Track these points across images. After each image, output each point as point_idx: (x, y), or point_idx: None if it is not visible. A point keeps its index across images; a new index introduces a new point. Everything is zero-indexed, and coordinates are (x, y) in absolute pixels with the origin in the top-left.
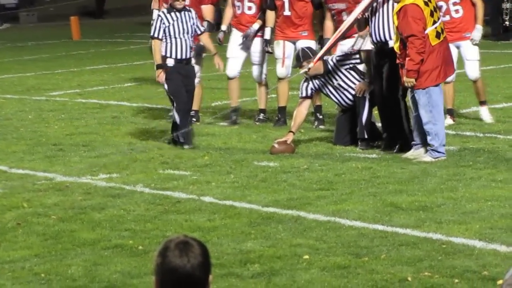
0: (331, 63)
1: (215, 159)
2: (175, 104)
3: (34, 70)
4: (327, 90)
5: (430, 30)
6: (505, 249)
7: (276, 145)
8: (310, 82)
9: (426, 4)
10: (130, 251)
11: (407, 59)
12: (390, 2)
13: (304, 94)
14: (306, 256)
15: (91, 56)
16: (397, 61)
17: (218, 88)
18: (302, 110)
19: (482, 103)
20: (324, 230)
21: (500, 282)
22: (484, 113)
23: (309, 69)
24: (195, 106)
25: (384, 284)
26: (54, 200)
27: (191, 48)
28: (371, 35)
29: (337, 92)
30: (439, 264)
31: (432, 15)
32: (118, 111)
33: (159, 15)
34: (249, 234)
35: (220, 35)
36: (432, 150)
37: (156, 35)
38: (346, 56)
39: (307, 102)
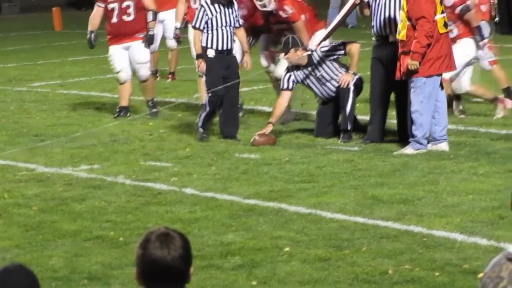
0: (316, 54)
1: (197, 151)
2: (208, 97)
3: (16, 61)
4: (308, 81)
5: (439, 17)
6: (485, 243)
7: (257, 137)
8: (292, 74)
9: None
10: (111, 243)
11: (414, 41)
12: None
13: (285, 86)
14: (287, 249)
15: (73, 47)
16: (400, 49)
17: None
18: (282, 102)
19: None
20: (305, 222)
21: (480, 275)
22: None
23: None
24: (149, 95)
25: (365, 276)
26: (35, 191)
27: (233, 40)
28: (372, 28)
29: (320, 84)
30: (420, 257)
31: (441, 3)
32: (99, 103)
33: (202, 6)
34: (230, 226)
35: (176, 31)
36: (414, 141)
37: (197, 26)
38: (331, 48)
39: (288, 94)
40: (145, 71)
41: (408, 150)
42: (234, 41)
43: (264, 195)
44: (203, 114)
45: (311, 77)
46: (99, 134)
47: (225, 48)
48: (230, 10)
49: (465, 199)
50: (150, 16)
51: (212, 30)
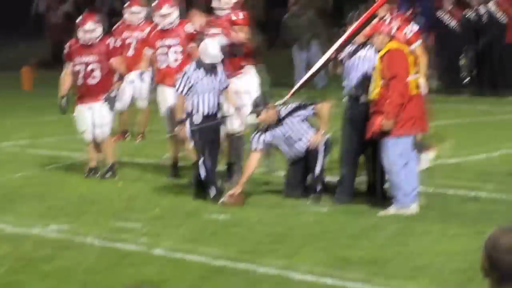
0: (284, 113)
1: (166, 212)
2: (201, 159)
3: None
4: (277, 141)
5: (412, 78)
6: None
7: (226, 198)
8: (262, 135)
9: (410, 53)
10: None
11: (387, 101)
12: (367, 59)
13: (255, 147)
14: None
15: (43, 107)
16: (372, 109)
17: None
18: (251, 163)
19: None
20: (275, 284)
21: None
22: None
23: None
24: (107, 158)
25: None
26: (4, 251)
27: (219, 103)
28: (345, 87)
29: (288, 144)
30: None
31: (414, 65)
32: (69, 163)
33: (185, 72)
34: (199, 287)
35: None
36: (397, 201)
37: (181, 91)
38: (300, 107)
39: (257, 154)
40: (103, 132)
41: (391, 210)
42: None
43: (233, 256)
44: (204, 177)
45: (280, 137)
46: (68, 194)
47: (211, 112)
48: (214, 74)
49: (434, 261)
50: (115, 77)
51: (198, 95)
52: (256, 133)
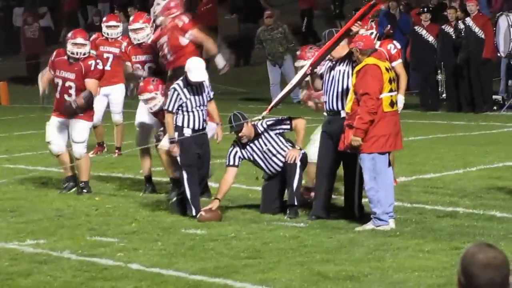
0: (261, 127)
1: (143, 226)
2: (186, 176)
3: None
4: (254, 156)
5: (385, 95)
6: None
7: (202, 213)
8: (238, 150)
9: (387, 70)
10: None
11: (357, 117)
12: (347, 74)
13: (231, 163)
14: None
15: (20, 122)
16: (345, 122)
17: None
18: (228, 179)
19: None
20: None
21: None
22: None
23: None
24: (82, 176)
25: None
26: None
27: (205, 120)
28: (324, 102)
29: (265, 158)
30: None
31: (390, 82)
32: (46, 177)
33: (175, 89)
34: None
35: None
36: (375, 218)
37: (170, 109)
38: (277, 122)
39: (234, 170)
40: (79, 149)
41: (370, 226)
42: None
43: (210, 271)
44: (188, 196)
45: (257, 152)
46: (45, 209)
47: (200, 127)
48: (202, 89)
49: (411, 276)
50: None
51: (187, 112)
52: (233, 149)
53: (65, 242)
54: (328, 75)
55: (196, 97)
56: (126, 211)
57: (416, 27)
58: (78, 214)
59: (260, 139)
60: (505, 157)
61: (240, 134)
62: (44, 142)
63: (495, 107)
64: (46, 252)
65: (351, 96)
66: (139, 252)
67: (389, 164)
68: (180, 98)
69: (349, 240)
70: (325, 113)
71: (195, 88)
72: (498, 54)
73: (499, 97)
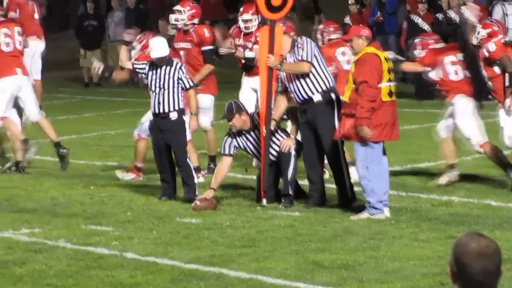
0: (257, 118)
1: (138, 215)
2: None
3: None
4: (250, 146)
5: (384, 85)
6: None
7: (198, 202)
8: (233, 140)
9: (386, 60)
10: None
11: (358, 107)
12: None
13: (226, 152)
14: None
15: None
16: (343, 110)
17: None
18: (223, 168)
19: None
20: (246, 287)
21: None
22: None
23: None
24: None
25: None
26: None
27: (171, 103)
28: (295, 97)
29: (260, 148)
30: None
31: (389, 72)
32: (41, 166)
33: (144, 65)
34: None
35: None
36: (370, 206)
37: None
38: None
39: (229, 159)
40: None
41: (364, 215)
42: (178, 103)
43: (205, 259)
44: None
45: (252, 142)
46: (40, 198)
47: (158, 111)
48: (167, 71)
49: (406, 265)
50: None
51: (151, 92)
52: (228, 138)
53: (60, 231)
54: (284, 73)
55: (157, 77)
56: (121, 200)
57: (411, 15)
58: (73, 203)
59: (256, 131)
60: (500, 146)
61: (230, 123)
62: (39, 132)
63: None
64: (41, 241)
65: (349, 85)
66: (134, 241)
67: (384, 153)
68: (146, 76)
69: (344, 229)
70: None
71: (159, 69)
72: None
73: None
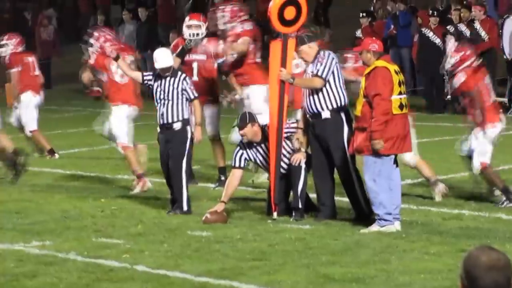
0: (267, 130)
1: (149, 228)
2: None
3: None
4: (260, 159)
5: (395, 98)
6: None
7: (208, 215)
8: (244, 152)
9: (396, 73)
10: None
11: (372, 120)
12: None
13: (237, 164)
14: None
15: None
16: (355, 124)
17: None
18: (233, 181)
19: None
20: None
21: None
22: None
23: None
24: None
25: None
26: None
27: (175, 114)
28: (306, 107)
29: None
30: None
31: (400, 85)
32: (52, 178)
33: (151, 76)
34: None
35: None
36: (379, 219)
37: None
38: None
39: (239, 172)
40: None
41: (374, 228)
42: (182, 114)
43: (215, 273)
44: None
45: (263, 154)
46: (51, 210)
47: (163, 122)
48: (171, 82)
49: (416, 279)
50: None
51: (156, 103)
52: (238, 150)
53: (71, 244)
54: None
55: (162, 88)
56: (132, 213)
57: (423, 29)
58: (84, 215)
59: (267, 143)
60: (510, 159)
61: (240, 132)
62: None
63: (500, 110)
64: (51, 253)
65: (360, 99)
66: (145, 254)
67: (396, 165)
68: (151, 86)
69: (355, 242)
70: (308, 116)
71: (163, 80)
72: (504, 57)
73: (505, 100)
